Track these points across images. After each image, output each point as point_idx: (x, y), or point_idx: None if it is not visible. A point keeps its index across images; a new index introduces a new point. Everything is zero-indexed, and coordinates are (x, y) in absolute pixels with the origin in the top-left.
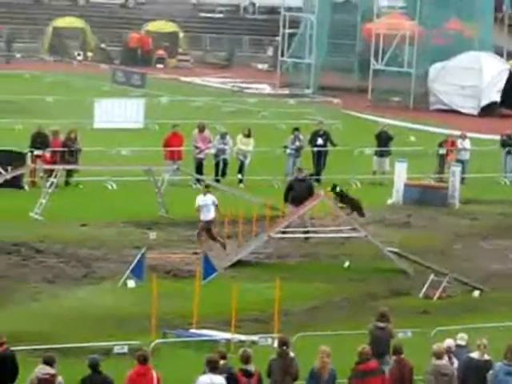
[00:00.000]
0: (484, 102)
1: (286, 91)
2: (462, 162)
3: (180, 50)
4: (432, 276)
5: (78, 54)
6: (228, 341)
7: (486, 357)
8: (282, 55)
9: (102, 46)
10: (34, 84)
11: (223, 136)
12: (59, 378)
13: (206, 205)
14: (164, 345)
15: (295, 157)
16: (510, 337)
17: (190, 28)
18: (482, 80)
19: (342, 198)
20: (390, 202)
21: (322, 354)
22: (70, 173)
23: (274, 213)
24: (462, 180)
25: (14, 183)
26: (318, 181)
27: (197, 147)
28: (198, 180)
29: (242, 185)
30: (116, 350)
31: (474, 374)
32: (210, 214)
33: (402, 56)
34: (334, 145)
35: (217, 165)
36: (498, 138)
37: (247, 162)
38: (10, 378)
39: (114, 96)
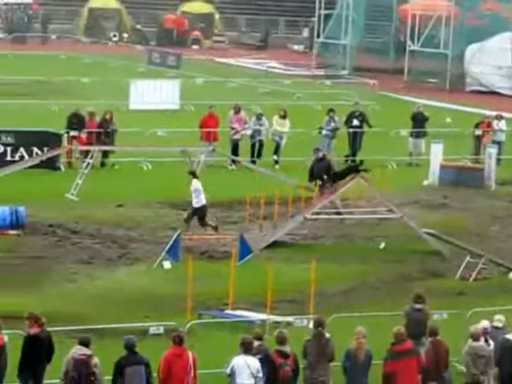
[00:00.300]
0: None
1: (322, 72)
2: (498, 143)
3: (215, 31)
4: (468, 257)
5: (114, 35)
6: (263, 322)
7: None
8: (318, 36)
9: (138, 27)
10: (69, 65)
11: (259, 117)
12: (95, 359)
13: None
14: (199, 326)
15: (330, 138)
16: None
17: (226, 9)
18: None
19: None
20: (425, 183)
21: (357, 334)
22: (105, 154)
23: (310, 194)
24: (498, 161)
25: (50, 164)
26: (353, 162)
27: (233, 128)
28: (234, 161)
29: (277, 166)
30: (152, 330)
31: (510, 355)
32: (196, 201)
33: (438, 37)
34: (369, 126)
35: (253, 146)
36: None
37: (283, 143)
38: (46, 359)
39: (150, 77)
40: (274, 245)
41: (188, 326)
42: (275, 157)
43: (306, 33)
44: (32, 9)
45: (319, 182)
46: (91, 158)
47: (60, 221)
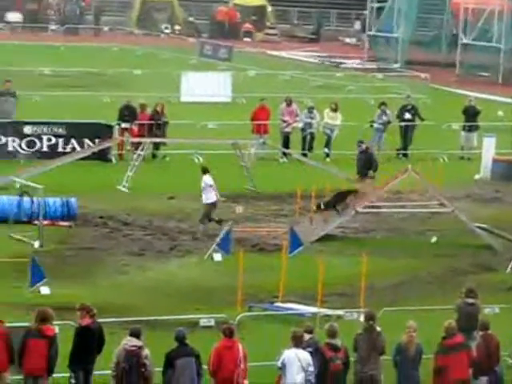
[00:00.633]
0: None
1: (374, 65)
2: None
3: (267, 24)
4: None
5: (166, 27)
6: (314, 315)
7: None
8: (370, 29)
9: (190, 19)
10: (121, 57)
11: (310, 110)
12: (146, 351)
13: (203, 189)
14: (250, 318)
15: (382, 131)
16: None
17: (278, 1)
18: None
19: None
20: (477, 177)
21: (409, 328)
22: (157, 146)
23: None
24: None
25: (102, 156)
26: (405, 155)
27: (284, 121)
28: (285, 154)
29: (328, 159)
30: (202, 322)
31: None
32: (205, 197)
33: (491, 31)
34: (421, 119)
35: (304, 139)
36: None
37: (334, 136)
38: (97, 350)
39: (201, 69)
40: (325, 238)
41: (238, 318)
42: (326, 150)
43: (357, 25)
44: (84, 1)
45: (361, 175)
46: (142, 149)
47: (111, 212)
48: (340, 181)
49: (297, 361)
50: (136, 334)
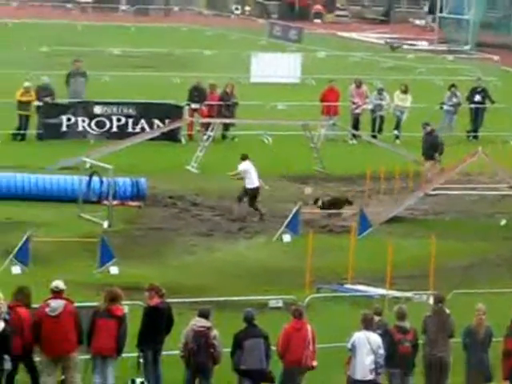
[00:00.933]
0: None
1: (444, 47)
2: None
3: (338, 5)
4: None
5: (236, 8)
6: (382, 297)
7: None
8: (441, 11)
9: (260, 0)
10: (191, 38)
11: (380, 92)
12: (214, 331)
13: (243, 174)
14: (318, 300)
15: (452, 113)
16: None
17: None
18: None
19: (330, 205)
20: None
21: (478, 311)
22: (226, 126)
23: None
24: None
25: (171, 136)
26: (475, 138)
27: (354, 102)
28: (355, 135)
29: (398, 141)
30: (271, 304)
31: None
32: (248, 182)
33: None
34: (492, 102)
35: (373, 120)
36: None
37: (404, 118)
38: (165, 330)
39: (271, 50)
40: (394, 220)
41: (307, 299)
42: (396, 132)
43: (427, 7)
44: None
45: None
46: (212, 130)
47: (180, 193)
48: (409, 163)
49: (367, 343)
50: (205, 315)
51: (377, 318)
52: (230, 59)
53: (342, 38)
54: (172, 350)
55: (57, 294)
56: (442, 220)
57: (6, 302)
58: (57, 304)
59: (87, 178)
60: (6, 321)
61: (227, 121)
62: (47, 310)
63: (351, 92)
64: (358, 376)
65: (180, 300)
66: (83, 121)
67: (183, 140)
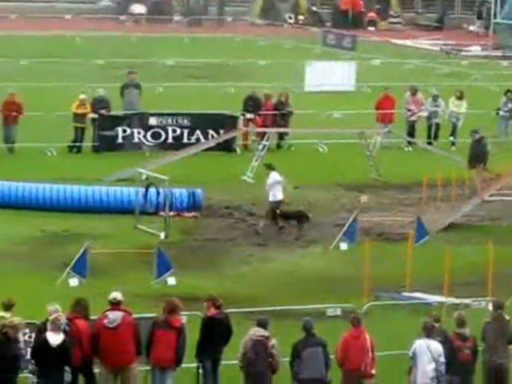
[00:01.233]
0: None
1: (498, 53)
2: None
3: (391, 12)
4: None
5: (290, 17)
6: (441, 304)
7: None
8: (495, 17)
9: (314, 8)
10: (245, 48)
11: (435, 98)
12: (273, 341)
13: (270, 184)
14: (377, 307)
15: (507, 119)
16: None
17: None
18: None
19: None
20: None
21: None
22: (281, 136)
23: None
24: None
25: (227, 146)
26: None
27: (409, 110)
28: (410, 143)
29: (453, 147)
30: (329, 312)
31: None
32: (273, 194)
33: None
34: None
35: (429, 127)
36: None
37: (459, 124)
38: (224, 340)
39: (325, 59)
40: (451, 227)
41: (365, 307)
42: (452, 138)
43: (482, 13)
44: None
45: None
46: (267, 140)
47: (236, 203)
48: (465, 169)
49: (428, 351)
50: (263, 324)
51: (436, 325)
52: (284, 68)
53: (395, 45)
54: (230, 360)
55: (115, 305)
56: (499, 226)
57: (65, 314)
58: (115, 316)
59: (144, 190)
60: (65, 333)
61: (282, 130)
62: (105, 321)
63: (406, 99)
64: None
65: (237, 310)
66: (139, 132)
67: (238, 150)
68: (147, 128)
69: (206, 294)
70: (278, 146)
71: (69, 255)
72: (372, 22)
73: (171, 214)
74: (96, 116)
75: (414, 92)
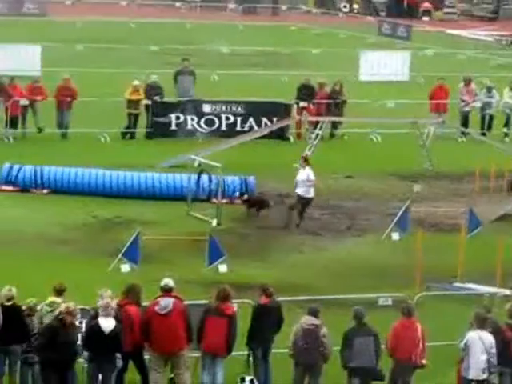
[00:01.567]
0: None
1: None
2: None
3: (446, 3)
4: None
5: (344, 6)
6: (492, 295)
7: None
8: None
9: None
10: (299, 36)
11: (489, 89)
12: (324, 329)
13: (302, 180)
14: (428, 298)
15: None
16: None
17: None
18: None
19: (252, 203)
20: None
21: None
22: (335, 125)
23: None
24: None
25: (280, 135)
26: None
27: (463, 100)
28: (464, 133)
29: (507, 139)
30: (380, 302)
31: None
32: (304, 190)
33: None
34: None
35: (482, 118)
36: None
37: None
38: (275, 328)
39: (380, 48)
40: (503, 217)
41: (417, 297)
42: (505, 129)
43: None
44: None
45: None
46: (320, 128)
47: (288, 191)
48: None
49: (480, 342)
50: (314, 313)
51: (488, 317)
52: (339, 57)
53: (450, 36)
54: (281, 348)
55: (166, 292)
56: None
57: (116, 299)
58: (166, 302)
59: (196, 177)
60: (116, 319)
61: (335, 119)
62: (157, 308)
63: (460, 90)
64: (471, 375)
65: (289, 298)
66: (192, 119)
67: (291, 138)
68: (201, 115)
69: (257, 281)
70: (332, 135)
71: (121, 241)
72: (427, 12)
73: (223, 201)
74: (149, 102)
75: (467, 82)
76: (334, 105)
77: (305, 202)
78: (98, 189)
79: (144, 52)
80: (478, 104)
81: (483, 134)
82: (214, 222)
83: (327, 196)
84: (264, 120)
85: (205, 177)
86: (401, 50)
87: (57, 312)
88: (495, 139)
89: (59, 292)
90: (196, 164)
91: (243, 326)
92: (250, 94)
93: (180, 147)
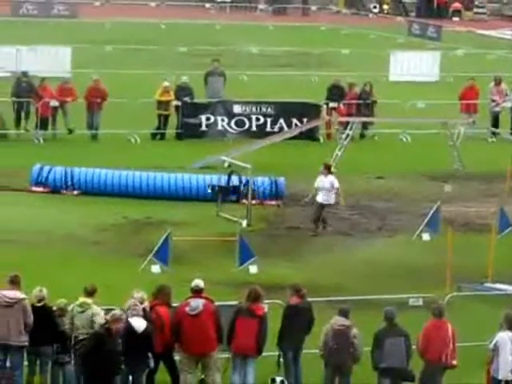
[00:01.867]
0: None
1: None
2: None
3: (476, 3)
4: None
5: (374, 7)
6: None
7: None
8: None
9: None
10: (330, 36)
11: None
12: (354, 330)
13: (324, 188)
14: (459, 298)
15: None
16: None
17: None
18: None
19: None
20: None
21: None
22: (365, 125)
23: None
24: None
25: (310, 135)
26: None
27: (493, 100)
28: (494, 133)
29: None
30: (411, 302)
31: None
32: (326, 198)
33: None
34: None
35: None
36: None
37: None
38: (306, 329)
39: (410, 48)
40: None
41: (447, 298)
42: None
43: None
44: None
45: None
46: (350, 129)
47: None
48: None
49: (510, 343)
50: (344, 314)
51: None
52: (369, 58)
53: (480, 36)
54: (312, 349)
55: (197, 292)
56: None
57: (147, 300)
58: (197, 303)
59: (226, 177)
60: (147, 319)
61: (366, 119)
62: (187, 309)
63: (491, 90)
64: (501, 376)
65: (320, 299)
66: (222, 120)
67: (321, 139)
68: (231, 116)
69: (287, 282)
70: (362, 136)
71: (151, 242)
72: (457, 12)
73: (253, 202)
74: (179, 103)
75: (498, 82)
76: (364, 105)
77: (322, 208)
78: (128, 190)
79: (174, 53)
80: (509, 104)
81: None
82: (244, 223)
83: (358, 196)
84: (294, 121)
85: (235, 178)
86: (431, 50)
87: (99, 318)
88: None
89: (90, 293)
90: (226, 165)
91: (274, 326)
92: (279, 94)
93: (210, 148)
